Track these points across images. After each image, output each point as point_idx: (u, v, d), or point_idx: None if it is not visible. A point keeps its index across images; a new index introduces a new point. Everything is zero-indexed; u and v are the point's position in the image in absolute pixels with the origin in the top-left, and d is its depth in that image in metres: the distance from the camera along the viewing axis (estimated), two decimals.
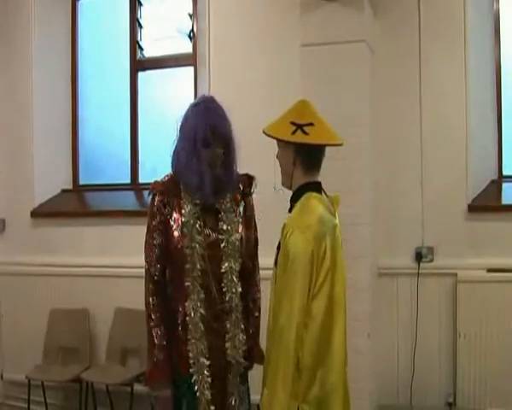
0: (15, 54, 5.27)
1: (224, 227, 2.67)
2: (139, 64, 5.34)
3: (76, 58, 5.48)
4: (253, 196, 2.86)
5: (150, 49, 5.34)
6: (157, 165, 4.78)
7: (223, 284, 2.66)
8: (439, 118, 4.26)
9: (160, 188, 2.71)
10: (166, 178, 2.75)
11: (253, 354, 2.79)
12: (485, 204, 4.24)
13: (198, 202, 2.65)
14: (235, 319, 2.68)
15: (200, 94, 4.58)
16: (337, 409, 2.35)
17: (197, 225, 2.64)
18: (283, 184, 2.49)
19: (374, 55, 4.23)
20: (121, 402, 4.61)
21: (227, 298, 2.66)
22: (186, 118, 2.69)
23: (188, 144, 2.63)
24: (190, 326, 2.64)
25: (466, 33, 4.20)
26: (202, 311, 2.63)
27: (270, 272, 2.46)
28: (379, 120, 4.27)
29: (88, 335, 4.89)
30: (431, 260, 4.26)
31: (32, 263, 5.11)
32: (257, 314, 2.82)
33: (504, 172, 4.42)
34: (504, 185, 4.40)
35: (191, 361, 2.65)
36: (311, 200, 2.38)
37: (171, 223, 2.67)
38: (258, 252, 2.91)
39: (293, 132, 2.36)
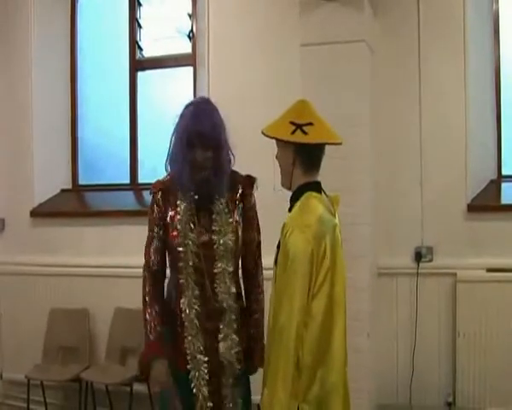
0: (15, 54, 5.26)
1: (217, 228, 2.69)
2: (138, 64, 5.34)
3: (75, 58, 5.47)
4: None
5: (149, 49, 5.34)
6: (156, 165, 4.76)
7: (215, 285, 2.67)
8: (438, 118, 4.27)
9: (159, 186, 2.77)
10: (167, 177, 2.80)
11: (256, 357, 2.76)
12: (485, 204, 4.24)
13: (192, 198, 2.69)
14: (228, 320, 2.69)
15: (199, 94, 4.60)
16: (337, 409, 2.35)
17: (191, 224, 2.68)
18: (283, 185, 2.49)
19: (373, 55, 4.23)
20: (121, 402, 4.61)
21: (219, 298, 2.67)
22: (178, 119, 2.72)
23: (176, 145, 2.68)
24: (186, 323, 2.68)
25: (465, 33, 4.21)
26: (197, 308, 2.66)
27: (271, 271, 2.46)
28: (379, 119, 4.27)
29: (87, 335, 4.89)
30: (430, 260, 4.26)
31: (31, 263, 5.11)
32: (257, 316, 2.81)
33: (504, 172, 4.42)
34: (504, 185, 4.41)
35: (188, 358, 2.68)
36: (311, 199, 2.39)
37: (168, 220, 2.72)
38: None
39: (293, 132, 2.36)
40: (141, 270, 2.82)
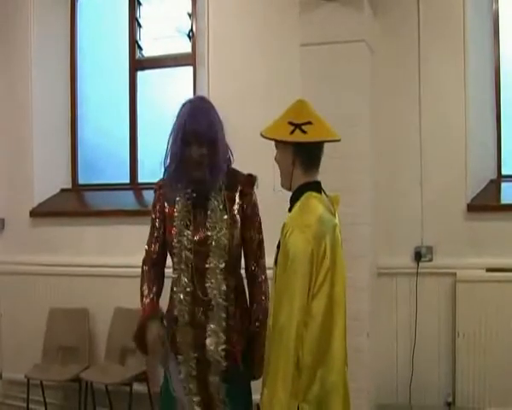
0: (15, 53, 5.26)
1: (211, 224, 2.71)
2: (138, 63, 5.34)
3: (75, 58, 5.47)
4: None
5: (149, 49, 5.34)
6: (156, 164, 4.76)
7: (206, 280, 2.69)
8: (438, 117, 4.27)
9: (161, 184, 2.85)
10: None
11: (256, 357, 2.73)
12: (485, 204, 4.24)
13: (189, 196, 2.73)
14: (217, 317, 2.69)
15: (199, 94, 4.59)
16: (337, 408, 2.35)
17: (186, 220, 2.71)
18: (283, 186, 2.49)
19: (373, 55, 4.23)
20: (120, 402, 4.61)
21: (209, 294, 2.69)
22: (176, 118, 2.74)
23: (173, 143, 2.71)
24: (179, 318, 2.71)
25: (465, 33, 4.21)
26: (188, 303, 2.69)
27: (271, 271, 2.46)
28: (379, 119, 4.27)
29: (87, 334, 4.89)
30: (430, 260, 4.27)
31: (31, 262, 5.11)
32: (258, 316, 2.78)
33: (503, 172, 4.43)
34: (503, 185, 4.41)
35: (179, 351, 2.73)
36: (311, 199, 2.38)
37: (167, 217, 2.78)
38: None
39: (292, 132, 2.36)
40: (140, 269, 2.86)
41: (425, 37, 4.26)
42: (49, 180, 5.34)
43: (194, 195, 2.73)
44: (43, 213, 5.23)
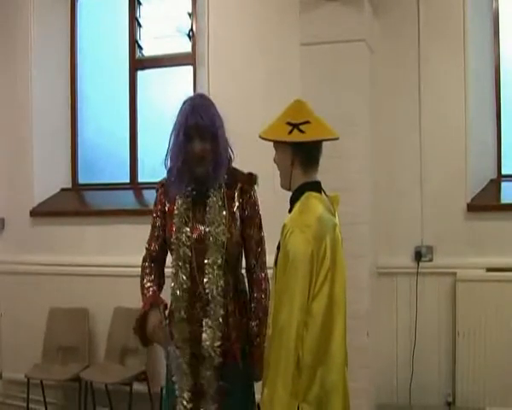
0: (15, 53, 5.26)
1: (209, 221, 2.72)
2: (138, 63, 5.34)
3: (75, 57, 5.48)
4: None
5: (149, 49, 5.34)
6: (156, 164, 4.76)
7: (204, 275, 2.70)
8: (438, 117, 4.27)
9: (162, 182, 2.87)
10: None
11: (256, 354, 2.73)
12: (485, 203, 4.25)
13: (189, 193, 2.74)
14: (214, 313, 2.69)
15: None
16: (337, 408, 2.35)
17: (185, 217, 2.73)
18: (282, 186, 2.49)
19: (373, 55, 4.23)
20: (120, 402, 4.61)
21: (206, 289, 2.69)
22: (176, 116, 2.76)
23: (175, 140, 2.72)
24: (175, 314, 2.72)
25: (465, 33, 4.21)
26: (185, 300, 2.70)
27: (271, 271, 2.46)
28: (378, 119, 4.28)
29: (87, 334, 4.89)
30: (430, 260, 4.27)
31: (31, 262, 5.11)
32: (257, 313, 2.78)
33: (503, 172, 4.43)
34: (503, 184, 4.41)
35: (176, 346, 2.73)
36: (311, 199, 2.38)
37: (167, 215, 2.79)
38: None
39: (290, 132, 2.37)
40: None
41: (425, 36, 4.26)
42: (49, 180, 5.34)
43: (195, 192, 2.74)
44: (43, 212, 5.24)
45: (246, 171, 2.84)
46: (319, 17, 3.98)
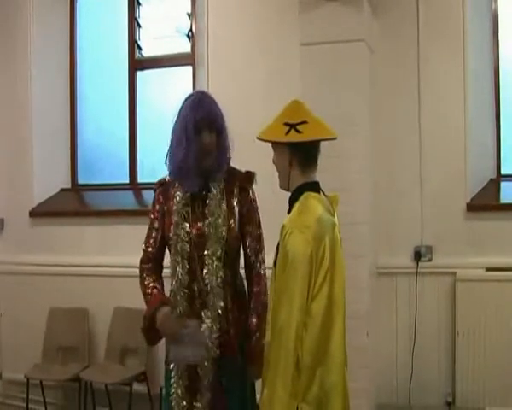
0: (14, 53, 5.26)
1: (209, 213, 2.73)
2: (138, 63, 5.34)
3: (75, 57, 5.47)
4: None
5: (149, 49, 5.34)
6: (155, 164, 4.77)
7: (204, 267, 2.71)
8: (437, 117, 4.27)
9: (161, 182, 2.88)
10: (168, 176, 2.87)
11: (252, 349, 2.74)
12: (484, 203, 4.25)
13: (186, 190, 2.75)
14: (213, 305, 2.70)
15: None
16: (337, 409, 2.35)
17: (184, 213, 2.74)
18: (281, 187, 2.49)
19: (373, 55, 4.23)
20: (120, 402, 4.61)
21: (206, 280, 2.70)
22: (179, 112, 2.78)
23: (181, 134, 2.72)
24: (174, 310, 2.72)
25: (465, 33, 4.21)
26: (182, 295, 2.71)
27: (270, 271, 2.46)
28: (378, 119, 4.28)
29: (87, 334, 4.89)
30: (430, 260, 4.27)
31: (30, 262, 5.11)
32: (255, 310, 2.79)
33: (503, 171, 4.43)
34: (503, 184, 4.41)
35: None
36: (310, 200, 2.38)
37: (167, 212, 2.79)
38: None
39: (287, 133, 2.37)
40: None
41: (424, 37, 4.26)
42: (49, 180, 5.34)
43: (197, 189, 2.75)
44: (42, 213, 5.24)
45: (249, 170, 2.87)
46: (319, 17, 3.98)
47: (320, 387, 2.30)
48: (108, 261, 4.86)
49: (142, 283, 2.82)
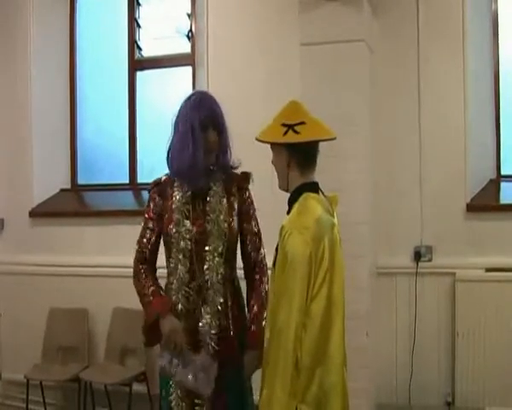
0: (14, 53, 5.26)
1: (211, 209, 2.74)
2: (137, 64, 5.34)
3: (74, 58, 5.47)
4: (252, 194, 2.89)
5: (148, 49, 5.34)
6: (155, 164, 4.78)
7: (204, 262, 2.71)
8: (437, 117, 4.27)
9: (156, 182, 2.87)
10: (164, 177, 2.87)
11: (250, 335, 2.75)
12: (484, 203, 4.25)
13: (188, 188, 2.75)
14: (213, 300, 2.71)
15: None
16: (336, 409, 2.35)
17: (185, 211, 2.74)
18: (280, 187, 2.49)
19: (373, 55, 4.23)
20: (120, 402, 4.61)
21: (207, 277, 2.71)
22: (180, 112, 2.78)
23: (183, 133, 2.71)
24: (174, 307, 2.71)
25: (465, 33, 4.21)
26: (183, 293, 2.71)
27: (269, 272, 2.46)
28: (378, 119, 4.28)
29: (87, 334, 4.89)
30: (430, 260, 4.27)
31: (30, 263, 5.10)
32: (254, 307, 2.79)
33: (503, 172, 4.43)
34: (503, 184, 4.41)
35: None
36: (309, 200, 2.38)
37: (165, 211, 2.78)
38: None
39: (285, 134, 2.37)
40: None
41: (424, 37, 4.27)
42: (49, 180, 5.34)
43: (193, 180, 2.74)
44: (42, 213, 5.23)
45: (245, 171, 2.87)
46: (319, 17, 3.98)
47: (319, 387, 2.30)
48: (108, 262, 4.86)
49: (139, 283, 2.80)
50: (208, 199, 2.76)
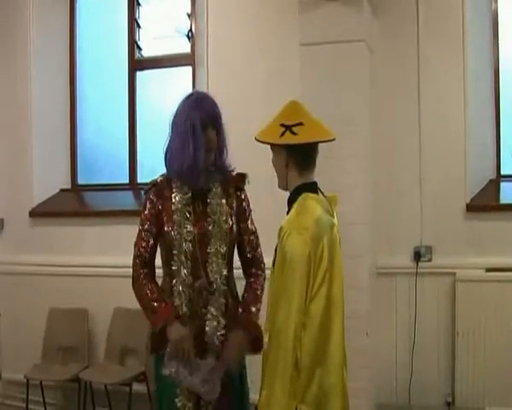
0: (14, 53, 5.26)
1: (212, 211, 2.75)
2: (137, 64, 5.34)
3: (74, 58, 5.47)
4: (249, 195, 2.89)
5: (148, 49, 5.33)
6: (155, 164, 4.76)
7: (207, 264, 2.72)
8: (437, 117, 4.27)
9: (152, 183, 2.84)
10: (160, 177, 2.85)
11: (242, 317, 2.76)
12: (484, 203, 4.24)
13: (188, 189, 2.74)
14: (218, 302, 2.72)
15: None
16: (336, 409, 2.35)
17: (186, 212, 2.73)
18: (280, 187, 2.50)
19: (373, 55, 4.23)
20: (120, 402, 4.61)
21: (210, 278, 2.71)
22: (178, 112, 2.77)
23: (183, 133, 2.70)
24: (177, 309, 2.70)
25: (464, 33, 4.21)
26: (187, 295, 2.70)
27: (268, 272, 2.46)
28: (378, 119, 4.28)
29: (87, 334, 4.89)
30: (429, 260, 4.27)
31: (30, 263, 5.10)
32: (257, 283, 2.83)
33: (502, 172, 4.43)
34: (502, 184, 4.41)
35: None
36: (308, 201, 2.38)
37: (163, 212, 2.76)
38: None
39: (282, 134, 2.37)
40: None
41: (424, 36, 4.26)
42: (49, 180, 5.34)
43: (193, 180, 2.74)
44: (42, 213, 5.23)
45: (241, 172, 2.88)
46: (319, 17, 3.98)
47: (319, 387, 2.30)
48: (108, 262, 4.85)
49: (140, 289, 2.77)
50: (208, 200, 2.76)
